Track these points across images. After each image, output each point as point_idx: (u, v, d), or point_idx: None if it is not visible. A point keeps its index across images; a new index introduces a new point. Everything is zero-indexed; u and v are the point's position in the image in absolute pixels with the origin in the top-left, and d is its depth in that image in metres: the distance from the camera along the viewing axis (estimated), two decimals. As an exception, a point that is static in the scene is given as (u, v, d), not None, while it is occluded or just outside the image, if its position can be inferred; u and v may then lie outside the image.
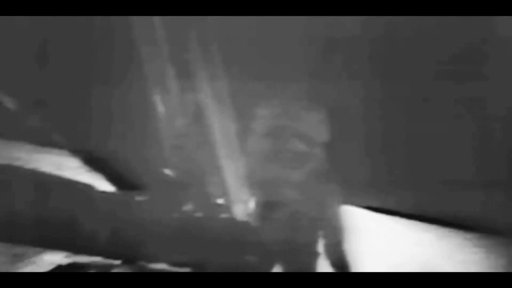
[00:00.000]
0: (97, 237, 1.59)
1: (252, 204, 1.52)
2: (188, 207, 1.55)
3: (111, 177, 1.56)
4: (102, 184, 1.56)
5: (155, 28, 1.44)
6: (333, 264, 1.50)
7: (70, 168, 1.56)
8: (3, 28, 1.50)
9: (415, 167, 1.45)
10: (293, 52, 1.40)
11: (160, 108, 1.50)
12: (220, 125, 1.47)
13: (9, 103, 1.54)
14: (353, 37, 1.37)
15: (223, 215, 1.54)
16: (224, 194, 1.53)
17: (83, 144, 1.56)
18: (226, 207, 1.53)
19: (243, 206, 1.52)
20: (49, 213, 1.59)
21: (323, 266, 1.50)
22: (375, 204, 1.48)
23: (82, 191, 1.57)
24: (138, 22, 1.44)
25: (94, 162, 1.56)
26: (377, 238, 1.47)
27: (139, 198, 1.57)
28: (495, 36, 1.35)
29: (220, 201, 1.53)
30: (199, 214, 1.55)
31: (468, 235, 1.44)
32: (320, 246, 1.50)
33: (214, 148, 1.49)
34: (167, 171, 1.54)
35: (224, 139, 1.48)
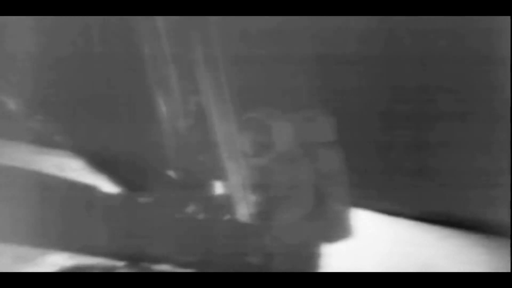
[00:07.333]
0: (100, 238, 1.59)
1: (255, 206, 1.51)
2: (191, 208, 1.55)
3: (114, 179, 1.57)
4: (105, 186, 1.57)
5: (158, 28, 1.45)
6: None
7: (73, 169, 1.57)
8: (3, 28, 1.51)
9: (417, 167, 1.45)
10: (298, 53, 1.40)
11: (163, 109, 1.50)
12: (223, 127, 1.47)
13: (12, 104, 1.55)
14: (358, 37, 1.38)
15: (226, 217, 1.54)
16: (227, 195, 1.52)
17: (86, 145, 1.56)
18: (229, 209, 1.53)
19: (246, 207, 1.51)
20: (52, 214, 1.59)
21: (325, 266, 1.50)
22: (376, 205, 1.48)
23: (85, 192, 1.57)
24: (140, 22, 1.45)
25: (97, 164, 1.56)
26: (378, 239, 1.47)
27: (142, 199, 1.57)
28: (497, 36, 1.35)
29: (223, 202, 1.53)
30: (202, 216, 1.55)
31: (471, 236, 1.44)
32: (322, 247, 1.50)
33: (217, 149, 1.49)
34: (170, 173, 1.54)
35: (227, 141, 1.48)
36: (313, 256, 1.51)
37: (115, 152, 1.56)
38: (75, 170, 1.56)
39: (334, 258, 1.49)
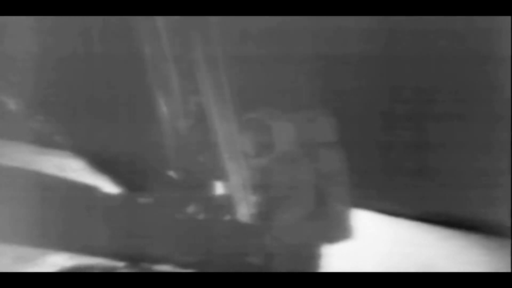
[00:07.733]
0: (100, 239, 1.59)
1: (255, 206, 1.51)
2: (191, 208, 1.55)
3: (114, 179, 1.57)
4: (106, 186, 1.57)
5: (158, 28, 1.45)
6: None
7: (73, 169, 1.57)
8: (3, 28, 1.51)
9: (417, 167, 1.45)
10: (298, 53, 1.40)
11: (163, 109, 1.50)
12: (223, 127, 1.47)
13: (12, 104, 1.55)
14: (358, 37, 1.37)
15: (227, 217, 1.54)
16: (228, 195, 1.52)
17: (86, 145, 1.56)
18: (230, 209, 1.53)
19: (247, 207, 1.51)
20: (52, 214, 1.58)
21: (325, 266, 1.50)
22: (376, 205, 1.48)
23: (85, 192, 1.57)
24: (140, 22, 1.45)
25: (97, 164, 1.56)
26: (378, 239, 1.47)
27: (142, 199, 1.57)
28: (497, 36, 1.35)
29: (223, 202, 1.53)
30: (202, 216, 1.55)
31: (471, 236, 1.44)
32: (322, 247, 1.50)
33: (217, 149, 1.49)
34: (170, 173, 1.54)
35: (227, 141, 1.48)
36: (314, 256, 1.51)
37: (115, 152, 1.56)
38: (75, 170, 1.56)
39: (335, 258, 1.49)
